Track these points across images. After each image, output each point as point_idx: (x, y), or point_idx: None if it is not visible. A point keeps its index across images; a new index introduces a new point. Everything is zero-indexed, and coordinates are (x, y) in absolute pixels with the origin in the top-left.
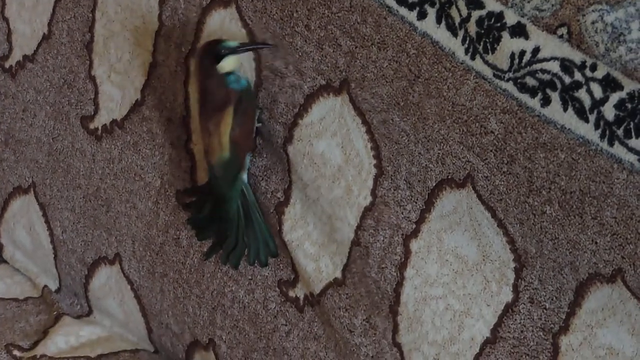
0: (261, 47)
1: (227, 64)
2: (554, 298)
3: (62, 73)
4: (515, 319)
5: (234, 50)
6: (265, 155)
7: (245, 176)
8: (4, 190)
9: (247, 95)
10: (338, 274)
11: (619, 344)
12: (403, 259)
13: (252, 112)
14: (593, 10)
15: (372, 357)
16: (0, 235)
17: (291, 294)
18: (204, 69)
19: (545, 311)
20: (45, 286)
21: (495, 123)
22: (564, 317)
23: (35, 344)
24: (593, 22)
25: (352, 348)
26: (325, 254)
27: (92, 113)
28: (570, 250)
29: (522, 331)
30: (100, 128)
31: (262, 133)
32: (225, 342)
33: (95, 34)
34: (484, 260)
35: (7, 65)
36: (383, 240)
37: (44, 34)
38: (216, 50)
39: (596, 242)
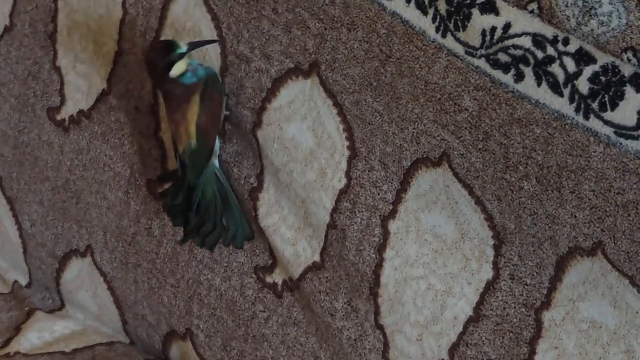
0: (209, 43)
1: (177, 69)
2: (535, 273)
3: (26, 65)
4: (497, 296)
5: (182, 56)
6: (235, 141)
7: (216, 162)
8: None
9: (211, 82)
10: (316, 258)
11: (602, 317)
12: (381, 240)
13: (217, 99)
14: None
15: (355, 340)
16: None
17: (268, 279)
18: (156, 76)
19: (526, 287)
20: (15, 281)
21: (469, 100)
22: (545, 292)
23: (8, 342)
24: None
25: (334, 332)
26: (302, 237)
27: (59, 104)
28: (550, 224)
29: (504, 308)
30: (67, 119)
31: (231, 119)
32: (202, 330)
33: (59, 24)
34: (462, 238)
35: None
36: (360, 222)
37: (6, 25)
38: (166, 59)
39: (575, 216)
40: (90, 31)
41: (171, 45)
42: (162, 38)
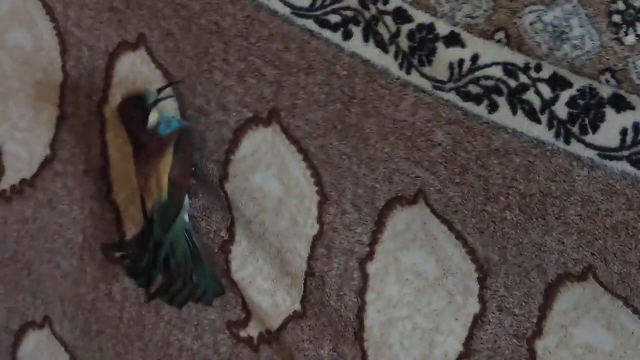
0: (173, 84)
1: (153, 117)
2: (523, 303)
3: None
4: (486, 329)
5: (156, 102)
6: (201, 195)
7: (186, 217)
8: None
9: (184, 134)
10: (297, 307)
11: (596, 340)
12: (361, 284)
13: (189, 151)
14: (529, 12)
15: None
16: None
17: (243, 333)
18: (132, 126)
19: (515, 317)
20: None
21: (442, 135)
22: (535, 321)
23: None
24: (531, 23)
25: None
26: (280, 287)
27: None
28: (536, 253)
29: (495, 341)
30: (8, 189)
31: (196, 173)
32: None
33: None
34: (445, 274)
35: None
36: (338, 267)
37: None
38: (141, 107)
39: (563, 242)
40: (28, 98)
41: (142, 95)
42: (111, 98)
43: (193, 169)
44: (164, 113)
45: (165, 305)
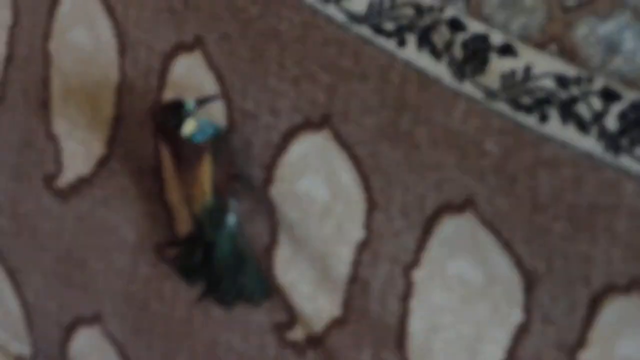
0: (214, 99)
1: (188, 127)
2: (567, 314)
3: (20, 134)
4: (530, 340)
5: (191, 114)
6: (246, 199)
7: (232, 219)
8: None
9: (219, 140)
10: (338, 312)
11: (638, 354)
12: (406, 290)
13: (228, 156)
14: (583, 24)
15: None
16: None
17: (290, 336)
18: (166, 136)
19: (559, 328)
20: (20, 354)
21: (492, 144)
22: (579, 332)
23: None
24: (585, 36)
25: None
26: (322, 292)
27: (56, 172)
28: (582, 264)
29: (537, 350)
30: (66, 187)
31: (241, 177)
32: None
33: (52, 91)
34: (490, 282)
35: None
36: (383, 273)
37: None
38: (175, 118)
39: (609, 254)
40: (87, 97)
41: (179, 104)
42: (165, 98)
43: (235, 172)
44: (201, 119)
45: (214, 306)
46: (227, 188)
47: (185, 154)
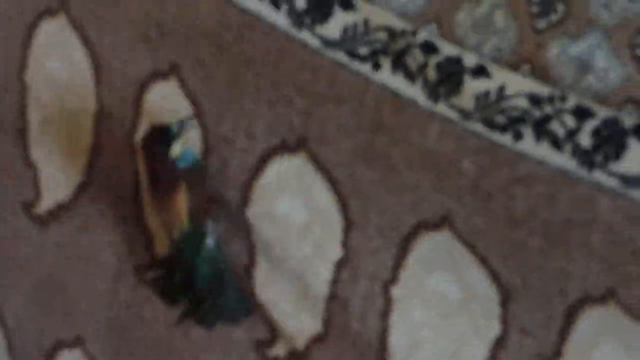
0: (190, 119)
1: (176, 149)
2: (544, 326)
3: None
4: (508, 351)
5: (178, 136)
6: (222, 221)
7: (210, 241)
8: None
9: (196, 167)
10: (319, 329)
11: None
12: (385, 307)
13: (203, 182)
14: (555, 44)
15: None
16: None
17: (270, 353)
18: (155, 156)
19: (535, 339)
20: None
21: (468, 164)
22: (555, 343)
23: None
24: (557, 56)
25: None
26: (303, 310)
27: (34, 198)
28: (558, 278)
29: None
30: (45, 213)
31: (218, 199)
32: None
33: (29, 119)
34: (468, 297)
35: None
36: (362, 291)
37: None
38: (165, 139)
39: (586, 267)
40: (65, 125)
41: (165, 128)
42: (141, 126)
43: (212, 196)
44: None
45: (195, 327)
46: (204, 213)
47: (162, 181)
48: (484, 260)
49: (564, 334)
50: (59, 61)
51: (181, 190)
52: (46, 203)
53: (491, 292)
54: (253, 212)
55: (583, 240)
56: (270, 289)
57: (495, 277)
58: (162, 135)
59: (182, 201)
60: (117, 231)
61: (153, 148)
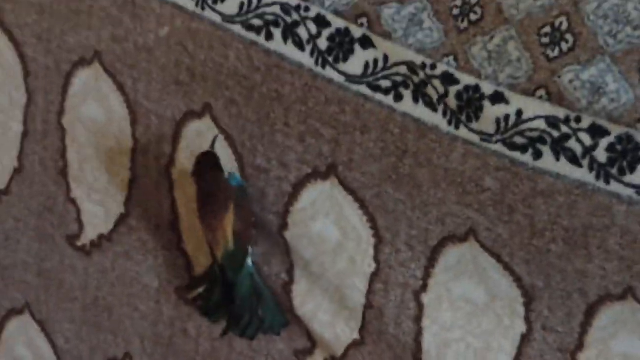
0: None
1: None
2: (566, 322)
3: (39, 200)
4: (533, 346)
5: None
6: (261, 244)
7: (250, 261)
8: None
9: (242, 191)
10: (356, 336)
11: (633, 349)
12: (417, 312)
13: (248, 206)
14: (567, 71)
15: None
16: None
17: None
18: (209, 175)
19: (558, 334)
20: None
21: (491, 181)
22: (577, 336)
23: None
24: (570, 81)
25: None
26: (340, 320)
27: (78, 232)
28: (579, 279)
29: (541, 355)
30: (88, 244)
31: (257, 224)
32: None
33: (69, 159)
34: (493, 300)
35: None
36: (395, 299)
37: (15, 167)
38: (216, 162)
39: (604, 268)
40: (102, 163)
41: (212, 154)
42: (177, 161)
43: (253, 220)
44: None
45: (237, 339)
46: (247, 234)
47: (213, 203)
48: (507, 267)
49: (584, 328)
50: (94, 106)
51: (230, 212)
52: (89, 235)
53: (515, 294)
54: (291, 235)
55: (601, 244)
56: (309, 303)
57: (518, 280)
58: (212, 161)
59: (230, 222)
60: (157, 256)
61: (206, 172)
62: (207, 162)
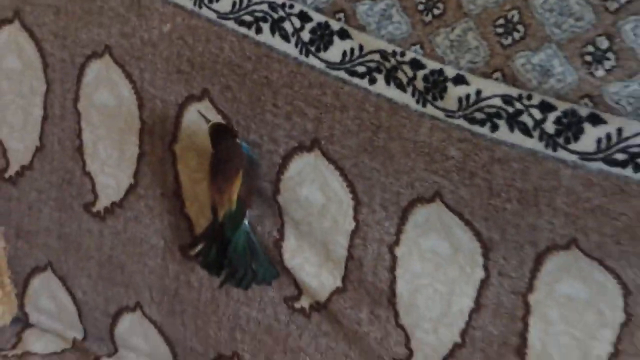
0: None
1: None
2: (518, 269)
3: (59, 174)
4: (490, 290)
5: None
6: (256, 207)
7: (246, 222)
8: (23, 272)
9: (251, 160)
10: (339, 284)
11: (574, 291)
12: (391, 263)
13: (255, 174)
14: (520, 56)
15: (380, 339)
16: (25, 306)
17: (297, 305)
18: (225, 141)
19: (512, 279)
20: (75, 338)
21: (454, 150)
22: (527, 281)
23: None
24: (522, 65)
25: (361, 336)
26: (324, 271)
27: (93, 200)
28: (530, 232)
29: (497, 297)
30: (102, 210)
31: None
32: (247, 352)
33: (84, 139)
34: (456, 252)
35: (6, 176)
36: (372, 252)
37: (37, 146)
38: (230, 132)
39: (552, 223)
40: (113, 141)
41: (224, 125)
42: (180, 138)
43: (256, 186)
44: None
45: (234, 289)
46: (249, 199)
47: (225, 167)
48: (468, 223)
49: (534, 273)
50: (106, 93)
51: (239, 178)
52: (102, 203)
53: (475, 246)
54: (282, 199)
55: (550, 202)
56: (297, 257)
57: (478, 235)
58: (226, 130)
59: (237, 187)
60: (162, 220)
61: (224, 139)
62: (222, 131)
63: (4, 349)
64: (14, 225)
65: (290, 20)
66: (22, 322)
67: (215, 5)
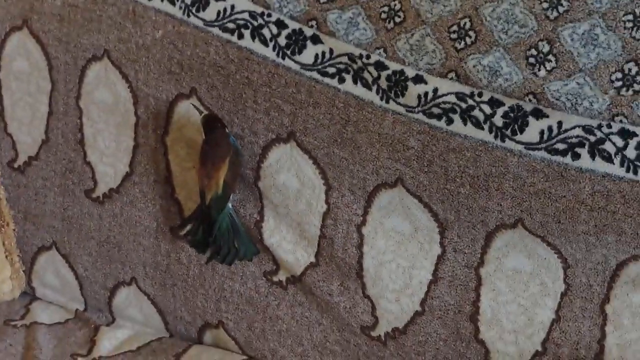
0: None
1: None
2: (470, 245)
3: (62, 164)
4: (446, 264)
5: None
6: (238, 192)
7: (230, 205)
8: (30, 251)
9: (236, 149)
10: (312, 259)
11: (520, 265)
12: (359, 241)
13: (239, 162)
14: (472, 59)
15: (350, 308)
16: (32, 282)
17: (275, 279)
18: (216, 130)
19: (465, 255)
20: (77, 309)
21: (414, 141)
22: (479, 256)
23: (90, 350)
24: (474, 66)
25: (332, 305)
26: (299, 248)
27: (93, 187)
28: (481, 213)
29: (453, 270)
30: (101, 196)
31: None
32: (231, 320)
33: (85, 133)
34: (416, 230)
35: (15, 165)
36: (342, 232)
37: (42, 139)
38: (221, 120)
39: (500, 205)
40: (111, 135)
41: (215, 116)
42: (171, 132)
43: (240, 173)
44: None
45: (219, 264)
46: (233, 184)
47: (213, 154)
48: (427, 205)
49: (485, 249)
50: (105, 91)
51: (225, 165)
52: (101, 189)
53: (432, 226)
54: (262, 184)
55: (499, 186)
56: (275, 235)
57: (435, 215)
58: (217, 121)
59: (223, 173)
60: (155, 204)
61: (215, 128)
62: (213, 121)
63: (14, 320)
64: (22, 209)
65: (268, 27)
66: (29, 295)
67: (202, 14)
